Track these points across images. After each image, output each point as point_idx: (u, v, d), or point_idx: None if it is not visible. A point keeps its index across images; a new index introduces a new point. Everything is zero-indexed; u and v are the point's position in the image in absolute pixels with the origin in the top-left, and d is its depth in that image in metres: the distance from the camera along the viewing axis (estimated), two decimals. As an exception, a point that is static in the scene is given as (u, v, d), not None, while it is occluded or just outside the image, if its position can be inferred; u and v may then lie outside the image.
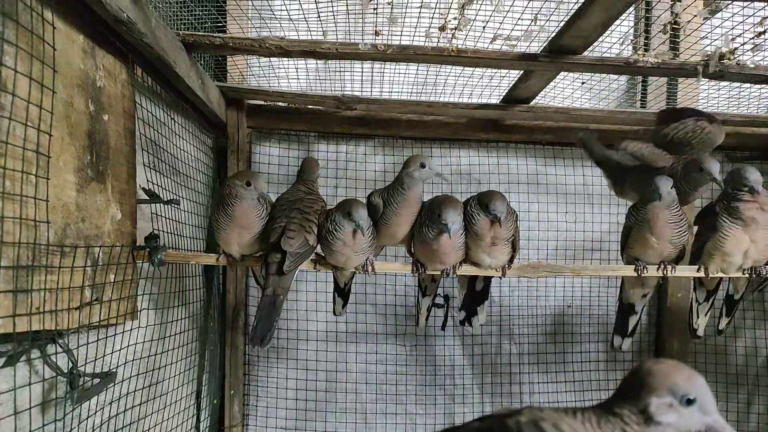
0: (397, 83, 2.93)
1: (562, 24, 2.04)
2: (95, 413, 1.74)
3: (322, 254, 2.31)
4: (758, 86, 2.64)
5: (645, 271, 2.39)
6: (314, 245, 2.25)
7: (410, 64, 2.62)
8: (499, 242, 2.23)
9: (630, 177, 2.55)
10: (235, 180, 2.20)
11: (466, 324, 2.66)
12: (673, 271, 2.39)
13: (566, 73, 2.57)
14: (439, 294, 2.71)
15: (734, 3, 2.17)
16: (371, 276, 2.39)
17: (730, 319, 2.74)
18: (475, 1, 2.09)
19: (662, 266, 2.38)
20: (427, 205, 2.29)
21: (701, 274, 2.42)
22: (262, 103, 3.04)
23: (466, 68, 2.66)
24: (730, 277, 2.55)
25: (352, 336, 3.30)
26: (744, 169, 2.29)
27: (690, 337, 2.81)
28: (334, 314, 2.78)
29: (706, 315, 2.70)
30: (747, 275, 2.41)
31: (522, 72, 2.49)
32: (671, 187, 2.27)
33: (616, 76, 2.92)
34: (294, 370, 3.27)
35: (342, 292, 2.69)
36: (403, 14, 2.23)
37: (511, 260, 2.36)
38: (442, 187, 3.15)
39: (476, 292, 2.62)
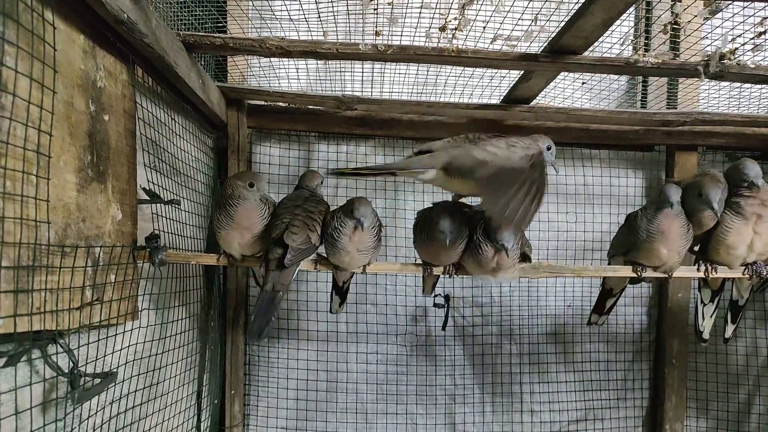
0: (398, 83, 2.93)
1: (563, 24, 2.04)
2: (96, 413, 1.74)
3: (325, 254, 2.31)
4: (759, 86, 2.64)
5: (644, 272, 2.38)
6: (316, 244, 2.26)
7: (410, 64, 2.61)
8: (503, 269, 2.19)
9: None
10: (237, 180, 2.20)
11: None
12: (671, 273, 2.39)
13: (567, 73, 2.56)
14: (439, 294, 2.71)
15: (734, 3, 2.17)
16: (371, 276, 2.39)
17: (736, 326, 2.72)
18: (475, 2, 2.09)
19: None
20: (427, 213, 2.31)
21: (701, 274, 2.42)
22: (263, 103, 3.04)
23: (466, 68, 2.66)
24: (733, 280, 2.54)
25: (353, 336, 3.31)
26: (743, 165, 2.27)
27: (696, 341, 2.77)
28: (331, 312, 2.80)
29: (711, 317, 2.67)
30: (748, 275, 2.40)
31: (522, 72, 2.48)
32: (680, 197, 2.23)
33: (616, 77, 2.92)
34: (294, 370, 3.27)
35: (340, 291, 2.70)
36: (404, 14, 2.23)
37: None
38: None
39: None
